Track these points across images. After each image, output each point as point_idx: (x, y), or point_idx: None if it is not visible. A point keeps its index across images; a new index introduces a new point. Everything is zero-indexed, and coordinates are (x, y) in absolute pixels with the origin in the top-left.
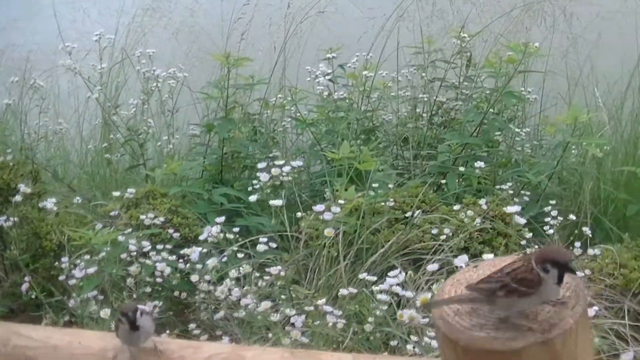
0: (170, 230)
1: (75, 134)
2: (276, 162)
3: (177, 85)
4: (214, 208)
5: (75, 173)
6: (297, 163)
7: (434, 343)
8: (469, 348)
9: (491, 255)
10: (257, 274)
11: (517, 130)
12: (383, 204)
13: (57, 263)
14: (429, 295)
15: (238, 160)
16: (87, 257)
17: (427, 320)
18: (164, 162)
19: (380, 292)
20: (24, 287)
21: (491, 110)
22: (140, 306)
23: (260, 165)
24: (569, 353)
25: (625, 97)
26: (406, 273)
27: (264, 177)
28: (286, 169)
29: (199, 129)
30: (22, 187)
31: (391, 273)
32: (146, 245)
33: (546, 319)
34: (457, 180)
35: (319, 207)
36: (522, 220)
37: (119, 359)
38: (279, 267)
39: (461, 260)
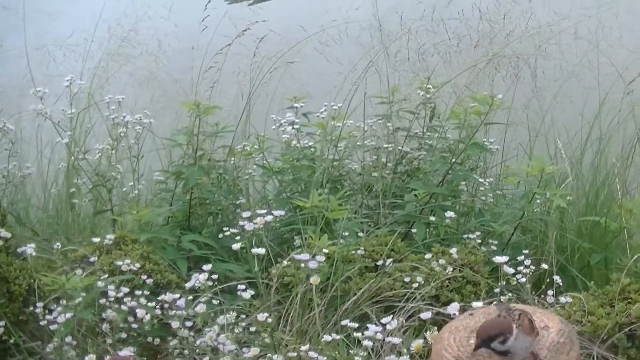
0: (144, 276)
1: (37, 178)
2: (258, 211)
3: (143, 131)
4: (182, 254)
5: (38, 217)
6: (280, 212)
7: None
8: None
9: (480, 303)
10: (232, 321)
11: (480, 180)
12: (354, 252)
13: (25, 308)
14: (420, 341)
15: (204, 207)
16: (62, 302)
17: None
18: (128, 208)
19: (365, 338)
20: None
21: (454, 160)
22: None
23: (245, 214)
24: None
25: (585, 148)
26: (398, 320)
27: (248, 226)
28: (269, 218)
29: (164, 176)
30: (3, 233)
31: (383, 320)
32: (124, 290)
33: None
34: (426, 230)
35: (304, 256)
36: (511, 270)
37: None
38: (266, 314)
39: (453, 308)
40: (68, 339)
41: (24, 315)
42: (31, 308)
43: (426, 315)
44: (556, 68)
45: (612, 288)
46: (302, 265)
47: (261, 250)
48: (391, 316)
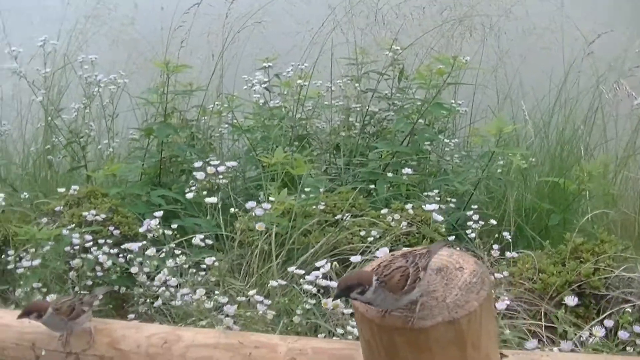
0: (111, 228)
1: (18, 137)
2: (211, 162)
3: (118, 91)
4: (152, 209)
5: (17, 175)
6: (232, 163)
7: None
8: (383, 326)
9: (405, 249)
10: (193, 270)
11: (446, 141)
12: (314, 207)
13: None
14: None
15: (176, 164)
16: (32, 250)
17: (350, 310)
18: (104, 165)
19: (307, 283)
20: None
21: (422, 121)
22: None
23: (196, 164)
24: (473, 332)
25: (553, 112)
26: (331, 265)
27: (200, 175)
28: (221, 168)
29: (138, 134)
30: None
31: (318, 263)
32: (89, 239)
33: (453, 300)
34: (386, 186)
35: (250, 204)
36: (440, 218)
37: (66, 338)
38: (213, 258)
39: (382, 251)
40: (37, 284)
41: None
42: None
43: (355, 258)
44: (522, 30)
45: (565, 247)
46: (253, 214)
47: (213, 200)
48: (325, 261)
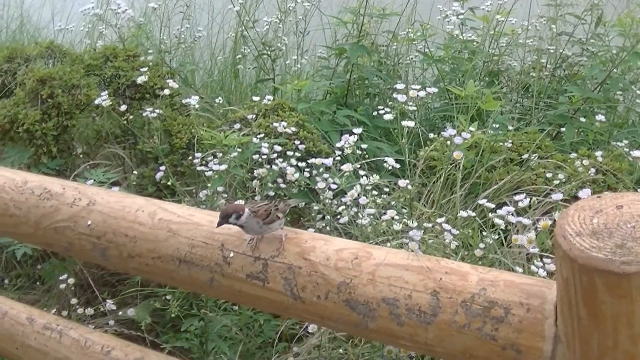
0: (297, 142)
1: (206, 45)
2: (412, 87)
3: (311, 8)
4: (335, 128)
5: (203, 80)
6: (433, 89)
7: (541, 272)
8: (586, 267)
9: (588, 190)
10: (374, 192)
11: (638, 92)
12: (501, 144)
13: (184, 160)
14: (549, 221)
15: (362, 87)
16: (220, 155)
17: (536, 250)
18: (289, 80)
19: (498, 217)
20: (158, 175)
21: (615, 70)
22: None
23: (398, 86)
24: None
25: None
26: (530, 200)
27: (401, 97)
28: (422, 93)
29: (327, 52)
30: (171, 83)
31: (517, 197)
32: (277, 149)
33: None
34: (575, 132)
35: (450, 131)
36: None
37: (255, 243)
38: (407, 180)
39: (584, 193)
40: (220, 188)
41: (182, 167)
42: (190, 159)
43: (557, 196)
44: None
45: None
46: (449, 143)
47: (410, 123)
48: (524, 195)
